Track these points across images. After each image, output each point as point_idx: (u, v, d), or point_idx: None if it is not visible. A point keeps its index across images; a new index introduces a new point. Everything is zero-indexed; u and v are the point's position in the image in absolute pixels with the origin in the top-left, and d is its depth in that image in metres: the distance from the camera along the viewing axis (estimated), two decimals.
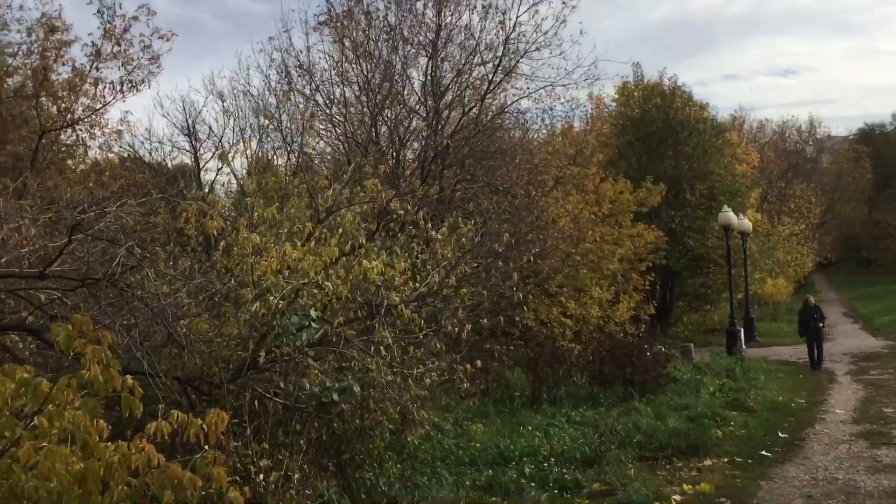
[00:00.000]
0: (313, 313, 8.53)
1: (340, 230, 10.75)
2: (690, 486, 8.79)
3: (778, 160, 60.07)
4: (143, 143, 22.07)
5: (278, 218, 10.82)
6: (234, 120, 24.24)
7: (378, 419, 8.85)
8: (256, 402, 7.98)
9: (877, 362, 22.63)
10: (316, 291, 9.39)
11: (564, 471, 9.11)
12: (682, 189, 31.96)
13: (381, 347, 9.24)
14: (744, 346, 26.52)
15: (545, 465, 9.24)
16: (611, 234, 24.80)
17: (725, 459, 9.85)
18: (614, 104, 36.68)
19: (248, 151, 24.13)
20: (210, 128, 24.20)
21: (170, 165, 23.20)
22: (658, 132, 32.90)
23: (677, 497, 8.47)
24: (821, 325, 21.30)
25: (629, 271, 26.42)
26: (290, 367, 8.50)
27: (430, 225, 12.26)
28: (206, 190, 21.96)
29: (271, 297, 8.58)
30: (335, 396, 8.29)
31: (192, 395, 8.23)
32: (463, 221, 14.32)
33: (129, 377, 4.71)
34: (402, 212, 11.36)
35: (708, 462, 9.70)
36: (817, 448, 10.74)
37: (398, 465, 9.38)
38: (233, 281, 9.42)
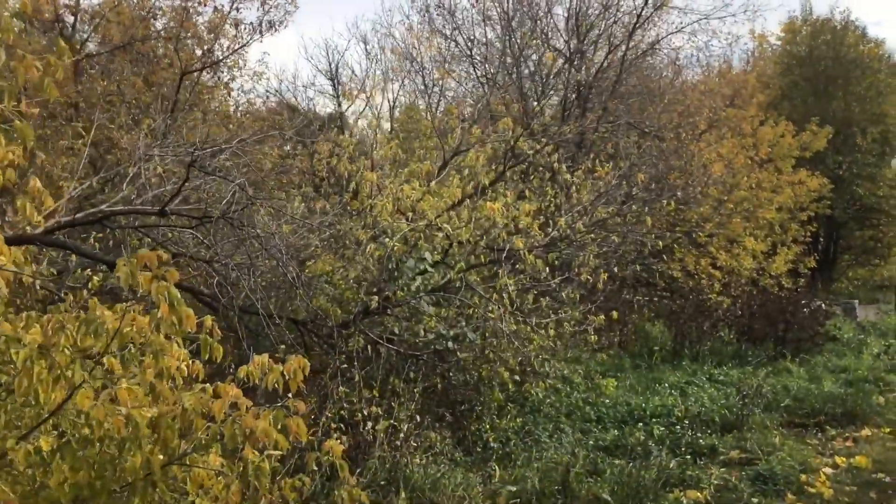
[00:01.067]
0: (429, 256, 8.09)
1: (466, 171, 10.27)
2: (843, 459, 7.82)
3: None
4: (286, 86, 22.25)
5: (401, 158, 10.43)
6: (377, 63, 24.04)
7: (497, 370, 8.36)
8: (370, 348, 7.64)
9: None
10: (438, 234, 8.98)
11: (699, 434, 8.32)
12: (852, 133, 29.40)
13: (504, 295, 8.74)
14: None
15: (678, 427, 8.46)
16: (769, 180, 23.09)
17: (887, 430, 8.73)
18: (779, 42, 34.12)
19: (390, 95, 23.97)
20: (352, 70, 24.13)
21: (315, 110, 23.34)
22: (827, 71, 30.29)
23: (828, 470, 7.54)
24: None
25: (788, 221, 24.67)
26: (406, 313, 8.14)
27: (564, 167, 11.58)
28: (348, 134, 21.98)
29: (387, 240, 8.22)
30: (450, 344, 7.87)
31: (309, 337, 8.01)
32: (601, 165, 13.50)
33: (208, 318, 4.38)
34: (531, 152, 10.72)
35: (866, 431, 8.62)
36: None
37: (519, 419, 8.90)
38: (354, 222, 9.12)
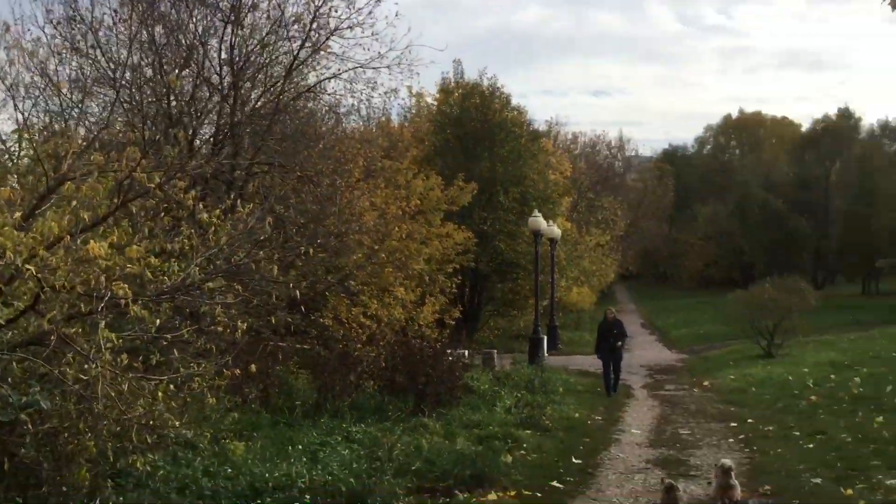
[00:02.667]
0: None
1: (74, 203, 8.73)
2: None
3: (589, 172, 61.77)
4: None
5: None
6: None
7: (85, 443, 6.93)
8: None
9: (672, 376, 22.81)
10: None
11: None
12: (496, 192, 31.44)
13: (106, 351, 7.36)
14: (546, 354, 26.17)
15: (297, 502, 7.61)
16: (419, 231, 23.65)
17: (512, 493, 8.62)
18: (434, 102, 35.87)
19: (19, 115, 20.93)
20: None
21: None
22: (475, 132, 32.27)
23: None
24: (619, 343, 18.43)
25: (436, 272, 25.41)
26: None
27: (201, 205, 10.44)
28: None
29: None
30: (22, 415, 6.34)
31: None
32: (243, 205, 12.52)
33: None
34: (151, 185, 9.43)
35: (492, 496, 8.42)
36: (612, 478, 9.79)
37: (120, 498, 7.50)
38: None
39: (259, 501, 7.65)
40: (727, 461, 8.88)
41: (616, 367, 18.21)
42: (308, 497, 7.63)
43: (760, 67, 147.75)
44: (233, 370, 11.11)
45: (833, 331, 33.93)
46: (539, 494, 8.74)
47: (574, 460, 10.64)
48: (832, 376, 18.23)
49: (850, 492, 8.37)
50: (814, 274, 73.22)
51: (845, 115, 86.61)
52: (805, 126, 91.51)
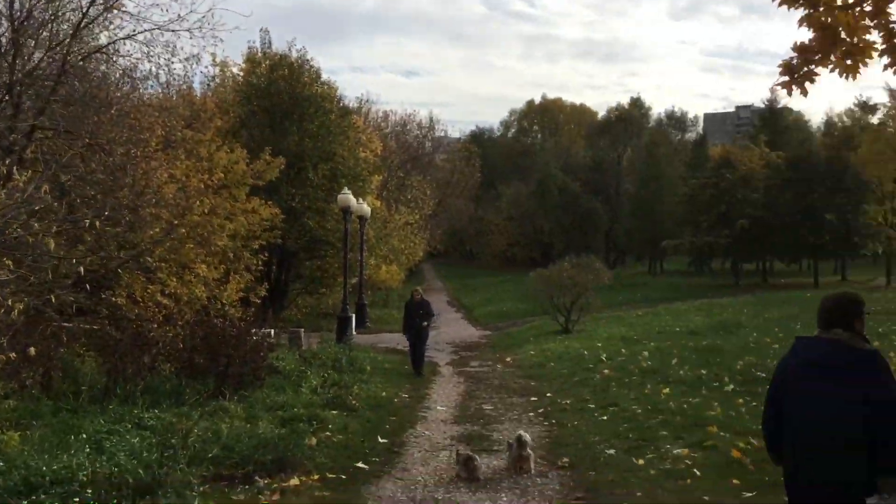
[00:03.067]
0: None
1: None
2: None
3: (399, 151, 62.04)
4: None
5: None
6: None
7: None
8: None
9: (477, 352, 23.32)
10: None
11: None
12: (305, 167, 30.82)
13: None
14: (354, 332, 26.00)
15: (78, 497, 6.94)
16: (223, 206, 22.71)
17: (316, 476, 8.33)
18: (241, 72, 34.57)
19: None
20: None
21: None
22: (283, 105, 31.43)
23: None
24: (426, 323, 18.12)
25: (241, 249, 24.54)
26: None
27: None
28: None
29: None
30: None
31: None
32: (20, 172, 11.39)
33: None
34: None
35: (295, 481, 8.10)
36: (417, 456, 9.74)
37: None
38: None
39: (34, 498, 6.89)
40: (523, 433, 9.10)
41: (421, 348, 18.09)
42: (90, 491, 6.97)
43: (560, 55, 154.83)
44: (8, 354, 10.12)
45: (623, 307, 36.14)
46: (343, 476, 8.51)
47: (380, 440, 10.51)
48: (623, 350, 19.27)
49: (641, 461, 8.76)
50: (606, 254, 77.75)
51: (637, 104, 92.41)
52: (601, 114, 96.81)
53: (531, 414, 12.71)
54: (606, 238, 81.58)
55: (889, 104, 56.93)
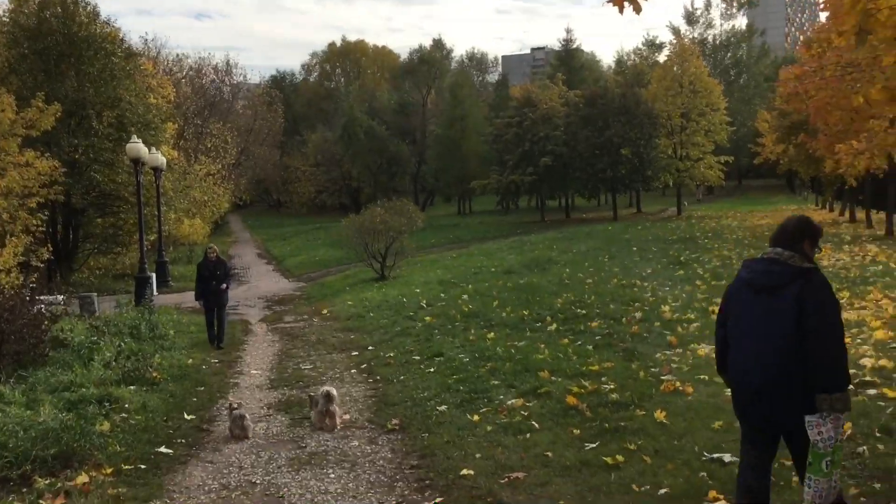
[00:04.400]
0: None
1: None
2: None
3: (195, 97, 58.52)
4: None
5: None
6: None
7: None
8: None
9: (291, 306, 22.20)
10: None
11: None
12: (88, 115, 27.96)
13: None
14: (155, 293, 24.11)
15: None
16: None
17: (109, 470, 7.11)
18: (6, 12, 30.71)
19: None
20: None
21: None
22: (58, 47, 28.18)
23: None
24: (224, 286, 15.10)
25: (18, 208, 21.96)
26: None
27: None
28: None
29: None
30: None
31: None
32: None
33: None
34: None
35: (83, 478, 6.87)
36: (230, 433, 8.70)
37: None
38: None
39: None
40: (329, 388, 8.67)
41: (220, 315, 15.03)
42: None
43: None
44: None
45: (437, 250, 36.02)
46: (143, 466, 7.36)
47: (186, 416, 9.36)
48: (442, 295, 18.87)
49: (476, 417, 8.21)
50: (415, 196, 77.90)
51: (439, 45, 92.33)
52: (404, 56, 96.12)
53: (353, 371, 11.94)
54: (415, 181, 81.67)
55: (674, 42, 60.07)
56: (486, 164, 61.00)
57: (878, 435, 6.47)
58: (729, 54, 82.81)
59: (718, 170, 52.50)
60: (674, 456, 6.43)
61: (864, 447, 6.17)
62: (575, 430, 7.37)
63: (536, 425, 7.69)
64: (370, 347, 13.79)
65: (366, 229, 25.36)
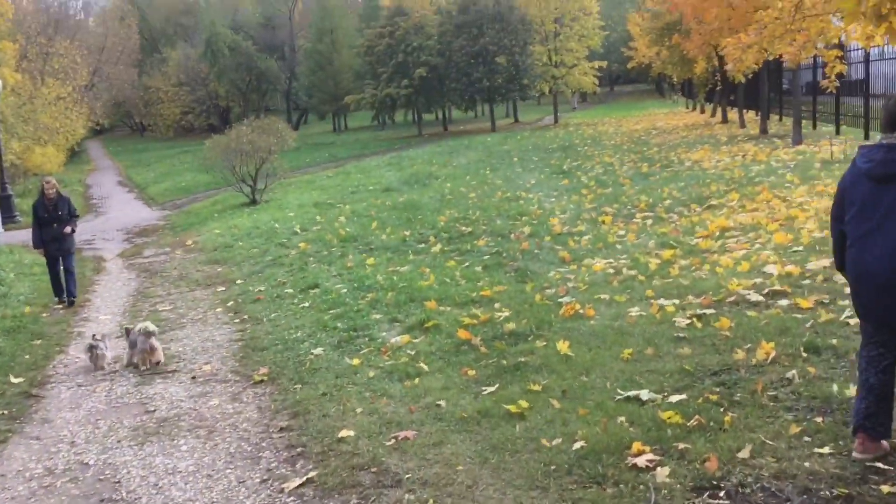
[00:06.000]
0: None
1: None
2: None
3: (38, 14, 53.53)
4: None
5: None
6: None
7: None
8: None
9: (153, 237, 20.38)
10: None
11: None
12: None
13: None
14: (1, 230, 21.82)
15: None
16: None
17: None
18: None
19: None
20: None
21: None
22: None
23: None
24: (69, 229, 12.15)
25: None
26: None
27: None
28: None
29: None
30: None
31: None
32: None
33: None
34: None
35: None
36: (65, 397, 7.35)
37: None
38: None
39: None
40: (148, 324, 8.21)
41: (67, 264, 12.32)
42: None
43: None
44: None
45: (312, 169, 34.37)
46: None
47: (13, 380, 7.92)
48: (318, 218, 17.56)
49: (356, 361, 7.16)
50: (288, 114, 74.98)
51: None
52: None
53: (219, 310, 10.64)
54: (287, 98, 78.49)
55: None
56: (360, 79, 58.75)
57: (804, 355, 5.79)
58: None
59: (593, 76, 52.28)
60: (585, 397, 5.57)
61: (794, 371, 5.47)
62: (470, 371, 6.44)
63: (425, 367, 6.72)
64: (238, 281, 12.46)
65: (232, 150, 23.52)
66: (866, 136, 19.14)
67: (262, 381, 7.15)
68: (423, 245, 12.68)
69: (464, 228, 13.48)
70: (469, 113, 62.47)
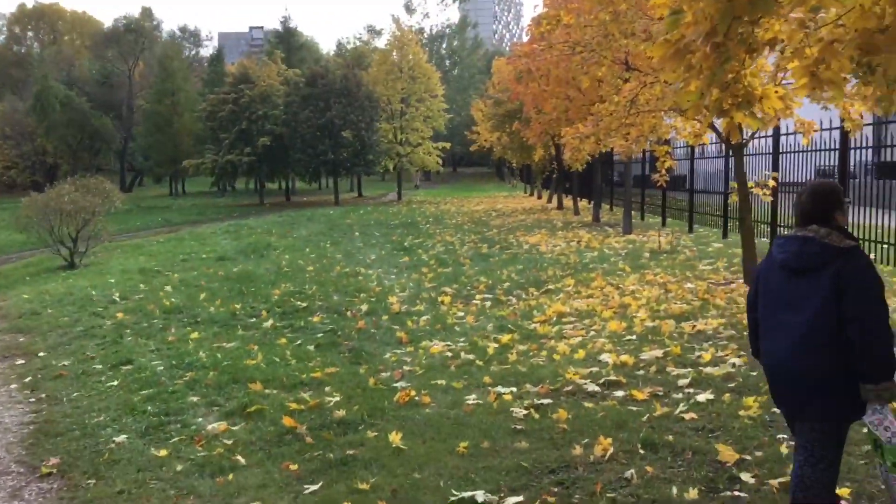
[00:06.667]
0: None
1: None
2: None
3: None
4: None
5: None
6: None
7: None
8: None
9: None
10: None
11: None
12: None
13: None
14: None
15: None
16: None
17: None
18: None
19: None
20: None
21: None
22: None
23: None
24: None
25: None
26: None
27: None
28: None
29: None
30: None
31: None
32: None
33: None
34: None
35: None
36: None
37: None
38: None
39: None
40: None
41: None
42: None
43: None
44: None
45: (143, 233, 32.67)
46: None
47: None
48: (142, 286, 16.38)
49: (163, 452, 6.36)
50: (122, 175, 71.81)
51: (147, 14, 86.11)
52: (108, 24, 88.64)
53: (13, 386, 9.41)
54: (121, 158, 75.25)
55: (394, 28, 60.14)
56: (201, 143, 57.21)
57: (642, 452, 5.60)
58: (445, 44, 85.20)
59: (437, 156, 53.28)
60: (416, 498, 5.09)
61: (632, 470, 5.25)
62: (292, 466, 5.82)
63: (242, 460, 6.03)
64: (41, 354, 11.18)
65: (51, 209, 21.85)
66: (690, 230, 20.16)
67: (49, 473, 6.21)
68: (254, 319, 11.94)
69: (299, 303, 12.86)
70: (313, 185, 62.00)
